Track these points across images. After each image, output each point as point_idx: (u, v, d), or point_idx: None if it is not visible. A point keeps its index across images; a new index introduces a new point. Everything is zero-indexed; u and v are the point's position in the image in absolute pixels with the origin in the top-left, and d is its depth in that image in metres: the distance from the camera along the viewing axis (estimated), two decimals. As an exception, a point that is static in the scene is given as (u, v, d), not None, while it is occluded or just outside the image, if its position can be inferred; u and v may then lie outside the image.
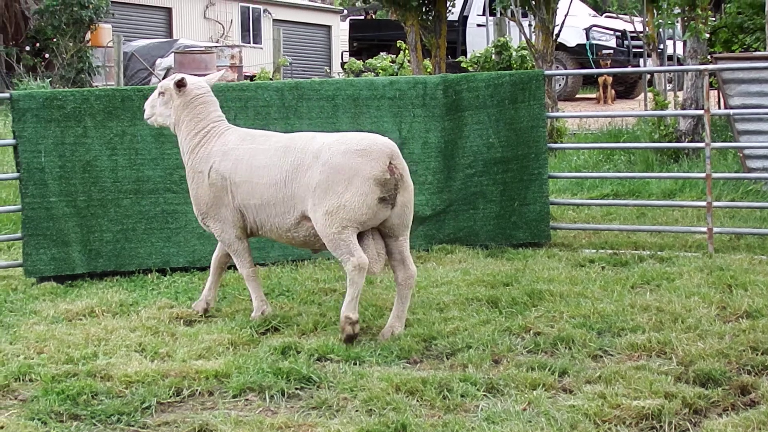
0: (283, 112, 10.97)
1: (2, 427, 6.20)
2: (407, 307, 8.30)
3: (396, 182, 7.99)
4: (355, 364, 7.34)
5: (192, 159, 8.76)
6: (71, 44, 30.80)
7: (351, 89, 11.27)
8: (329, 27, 51.82)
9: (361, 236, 8.10)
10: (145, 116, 9.13)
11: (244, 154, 8.51)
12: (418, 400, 6.56)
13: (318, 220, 8.04)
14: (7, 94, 10.52)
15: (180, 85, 8.79)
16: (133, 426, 6.34)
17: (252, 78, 32.43)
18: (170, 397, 6.76)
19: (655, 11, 19.85)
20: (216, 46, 34.41)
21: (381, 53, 27.75)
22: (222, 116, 8.91)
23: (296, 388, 6.88)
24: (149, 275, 10.40)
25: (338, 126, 11.06)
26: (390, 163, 7.99)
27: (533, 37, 19.27)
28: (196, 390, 6.87)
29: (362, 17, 47.52)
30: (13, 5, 32.03)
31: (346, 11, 55.18)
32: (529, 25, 19.72)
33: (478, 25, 31.73)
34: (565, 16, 20.00)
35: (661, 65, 22.11)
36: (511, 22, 22.44)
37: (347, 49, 39.00)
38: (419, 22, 21.57)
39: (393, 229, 8.18)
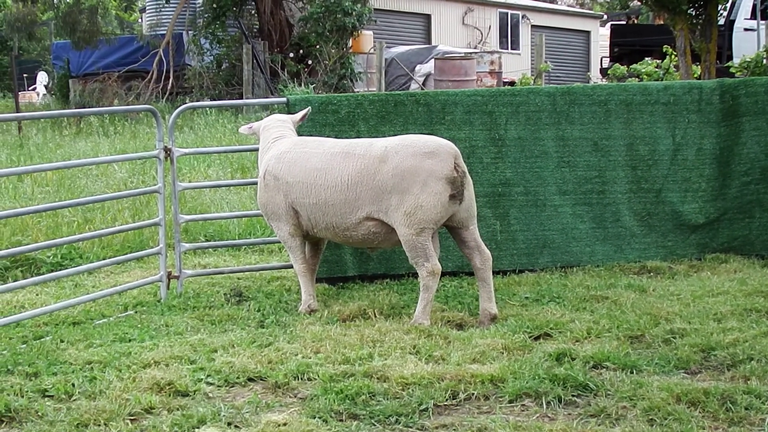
0: (555, 117, 10.88)
1: (285, 424, 6.30)
2: (493, 287, 8.92)
3: (461, 179, 8.66)
4: (632, 372, 7.21)
5: (258, 168, 9.72)
6: (334, 51, 31.33)
7: (624, 94, 11.07)
8: (588, 32, 51.29)
9: None
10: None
11: (296, 157, 9.22)
12: (700, 412, 6.39)
13: (398, 222, 8.72)
14: (283, 99, 10.78)
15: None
16: (411, 427, 6.36)
17: (511, 84, 32.37)
18: (447, 399, 6.76)
19: None
20: (476, 52, 34.49)
21: (646, 58, 27.22)
22: (281, 135, 9.62)
23: (573, 395, 6.79)
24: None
25: (610, 131, 10.95)
26: (454, 162, 8.64)
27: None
28: (472, 394, 6.85)
29: (623, 22, 46.85)
30: (278, 13, 32.80)
31: (605, 16, 54.54)
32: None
33: (745, 29, 30.81)
34: None
35: None
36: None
37: (607, 54, 38.50)
38: (688, 26, 21.10)
39: (463, 222, 8.87)
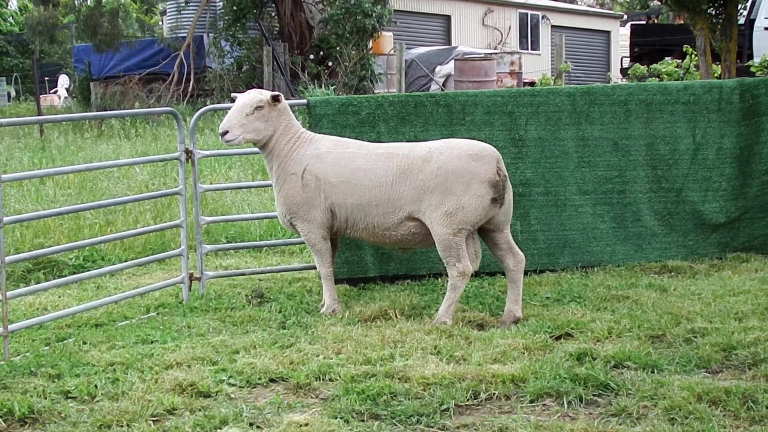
0: (575, 117, 10.87)
1: (306, 425, 6.31)
2: (521, 290, 8.97)
3: (503, 183, 8.76)
4: (653, 371, 7.21)
5: (285, 162, 9.26)
6: (354, 52, 31.31)
7: (644, 94, 11.05)
8: (608, 32, 51.17)
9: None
10: (229, 137, 9.06)
11: (340, 157, 9.13)
12: (721, 411, 6.39)
13: (435, 221, 8.74)
14: (304, 101, 10.76)
15: (276, 99, 9.20)
16: (432, 427, 6.37)
17: (531, 84, 32.32)
18: (468, 399, 6.77)
19: None
20: (496, 53, 34.45)
21: (666, 58, 27.18)
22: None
23: (594, 395, 6.79)
24: (439, 279, 10.45)
25: (630, 131, 10.93)
26: (497, 165, 8.75)
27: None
28: (493, 393, 6.86)
29: (644, 22, 46.73)
30: (298, 15, 32.76)
31: (626, 16, 54.42)
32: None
33: (766, 29, 30.70)
34: None
35: None
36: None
37: (627, 54, 38.42)
38: (708, 26, 21.06)
39: (499, 225, 8.94)
